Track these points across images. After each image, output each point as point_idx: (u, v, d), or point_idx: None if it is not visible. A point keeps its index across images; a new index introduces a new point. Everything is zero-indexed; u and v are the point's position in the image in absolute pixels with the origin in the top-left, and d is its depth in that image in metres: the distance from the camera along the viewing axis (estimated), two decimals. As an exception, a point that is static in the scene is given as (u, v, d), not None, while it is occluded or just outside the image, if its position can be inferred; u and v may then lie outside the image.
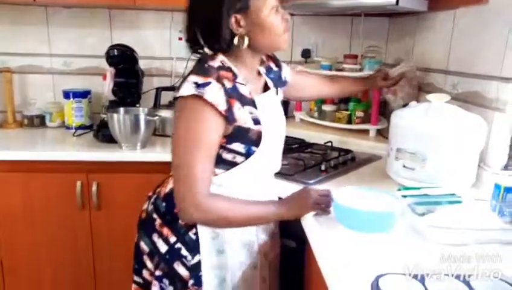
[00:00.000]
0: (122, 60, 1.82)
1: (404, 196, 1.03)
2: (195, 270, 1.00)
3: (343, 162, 1.44)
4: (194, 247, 0.99)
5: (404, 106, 1.46)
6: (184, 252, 1.00)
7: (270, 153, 1.04)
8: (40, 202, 1.65)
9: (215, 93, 0.90)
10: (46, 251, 1.70)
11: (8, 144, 1.76)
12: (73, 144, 1.78)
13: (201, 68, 0.94)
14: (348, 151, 1.53)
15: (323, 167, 1.36)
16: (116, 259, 1.71)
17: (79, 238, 1.69)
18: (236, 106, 0.94)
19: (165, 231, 1.02)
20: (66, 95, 1.95)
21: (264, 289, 1.13)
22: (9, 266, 1.71)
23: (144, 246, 1.08)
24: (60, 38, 2.04)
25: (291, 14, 2.04)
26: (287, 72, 1.26)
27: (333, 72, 1.79)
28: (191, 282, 1.00)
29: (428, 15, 1.60)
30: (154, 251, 1.04)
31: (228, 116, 0.92)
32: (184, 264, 1.00)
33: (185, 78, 0.95)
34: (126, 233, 1.65)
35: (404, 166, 1.19)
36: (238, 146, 0.96)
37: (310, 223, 1.01)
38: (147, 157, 1.63)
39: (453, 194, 1.05)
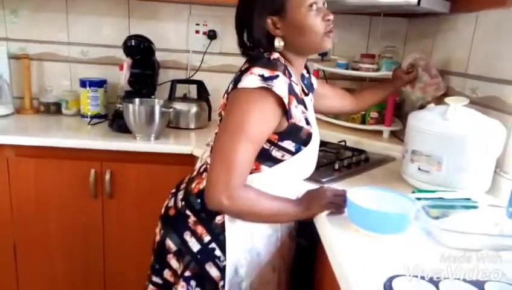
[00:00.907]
0: (139, 51, 1.83)
1: (419, 199, 1.02)
2: (225, 271, 0.99)
3: (357, 162, 1.44)
4: (224, 248, 0.99)
5: (421, 107, 1.45)
6: (218, 252, 0.98)
7: (313, 155, 1.05)
8: (53, 188, 1.67)
9: (282, 86, 0.89)
10: (58, 237, 1.73)
11: (25, 130, 1.78)
12: (88, 132, 1.80)
13: (266, 61, 0.92)
14: (361, 151, 1.52)
15: (336, 166, 1.35)
16: (126, 247, 1.73)
17: (91, 226, 1.71)
18: (294, 103, 0.94)
19: (199, 229, 1.00)
20: (83, 83, 1.97)
21: None
22: (22, 250, 1.74)
23: (170, 244, 1.04)
24: (79, 27, 2.06)
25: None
26: (313, 79, 1.27)
27: (350, 72, 1.79)
28: (221, 284, 0.99)
29: (450, 17, 1.58)
30: (183, 250, 1.01)
31: (288, 112, 0.92)
32: (217, 265, 0.99)
33: (244, 70, 0.92)
34: (137, 222, 1.68)
35: (419, 168, 1.18)
36: (290, 144, 0.96)
37: (322, 222, 1.00)
38: (160, 149, 1.64)
39: (469, 199, 1.04)
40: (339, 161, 1.38)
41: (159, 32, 2.04)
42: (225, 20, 2.05)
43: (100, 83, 1.99)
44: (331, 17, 0.97)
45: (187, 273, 1.00)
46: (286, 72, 0.94)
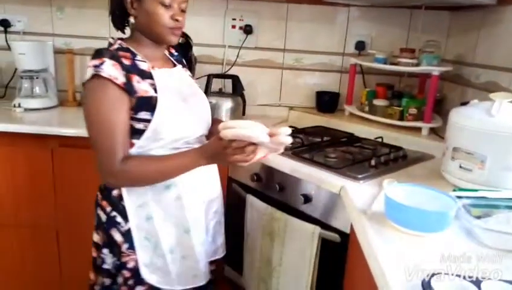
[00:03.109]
0: (177, 45, 1.85)
1: (459, 197, 0.99)
2: (128, 235, 1.10)
3: (394, 159, 1.41)
4: (125, 214, 1.10)
5: (463, 104, 1.39)
6: (119, 219, 1.11)
7: (174, 118, 1.08)
8: (94, 178, 1.73)
9: (110, 69, 1.01)
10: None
11: (68, 121, 1.86)
12: (127, 125, 1.85)
13: (96, 53, 1.05)
14: (399, 148, 1.49)
15: (373, 163, 1.33)
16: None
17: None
18: (136, 79, 1.04)
19: (104, 203, 1.14)
20: (122, 77, 2.02)
21: (204, 252, 1.20)
22: (64, 237, 1.82)
23: (94, 221, 1.19)
24: (119, 23, 2.12)
25: (346, 5, 2.00)
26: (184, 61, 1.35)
27: (389, 66, 1.74)
28: (125, 246, 1.10)
29: (497, 9, 1.51)
30: (98, 223, 1.16)
31: (128, 89, 1.02)
32: (119, 231, 1.11)
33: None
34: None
35: (460, 166, 1.14)
36: (145, 114, 1.05)
37: (358, 218, 0.99)
38: (196, 142, 1.67)
39: (514, 199, 0.99)
40: (375, 158, 1.35)
41: (196, 27, 2.06)
42: (261, 15, 2.05)
43: (139, 77, 2.04)
44: (180, 18, 1.08)
45: (100, 242, 1.15)
46: (128, 54, 1.07)
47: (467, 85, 1.71)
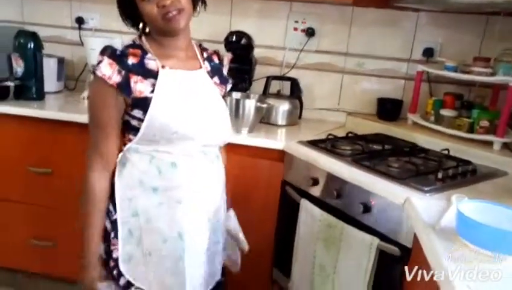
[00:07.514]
0: (239, 46, 1.88)
1: (540, 220, 0.91)
2: (115, 225, 1.10)
3: (463, 173, 1.33)
4: (115, 203, 1.10)
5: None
6: (110, 207, 1.12)
7: (167, 121, 1.04)
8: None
9: (106, 68, 1.02)
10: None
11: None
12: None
13: (101, 50, 1.05)
14: (468, 162, 1.40)
15: (439, 176, 1.26)
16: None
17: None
18: (134, 79, 1.04)
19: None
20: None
21: (186, 269, 1.12)
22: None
23: None
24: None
25: (416, 10, 1.92)
26: (227, 74, 1.31)
27: (460, 75, 1.65)
28: (112, 235, 1.11)
29: None
30: None
31: (121, 89, 1.03)
32: (109, 218, 1.12)
33: None
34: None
35: (541, 186, 1.05)
36: (138, 112, 1.05)
37: (425, 232, 0.94)
38: (252, 142, 1.66)
39: None
40: (442, 170, 1.28)
41: (258, 28, 2.07)
42: (324, 18, 2.02)
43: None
44: (167, 2, 1.01)
45: None
46: (139, 51, 1.06)
47: (547, 99, 1.57)
